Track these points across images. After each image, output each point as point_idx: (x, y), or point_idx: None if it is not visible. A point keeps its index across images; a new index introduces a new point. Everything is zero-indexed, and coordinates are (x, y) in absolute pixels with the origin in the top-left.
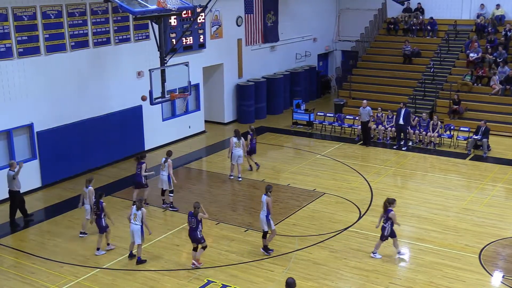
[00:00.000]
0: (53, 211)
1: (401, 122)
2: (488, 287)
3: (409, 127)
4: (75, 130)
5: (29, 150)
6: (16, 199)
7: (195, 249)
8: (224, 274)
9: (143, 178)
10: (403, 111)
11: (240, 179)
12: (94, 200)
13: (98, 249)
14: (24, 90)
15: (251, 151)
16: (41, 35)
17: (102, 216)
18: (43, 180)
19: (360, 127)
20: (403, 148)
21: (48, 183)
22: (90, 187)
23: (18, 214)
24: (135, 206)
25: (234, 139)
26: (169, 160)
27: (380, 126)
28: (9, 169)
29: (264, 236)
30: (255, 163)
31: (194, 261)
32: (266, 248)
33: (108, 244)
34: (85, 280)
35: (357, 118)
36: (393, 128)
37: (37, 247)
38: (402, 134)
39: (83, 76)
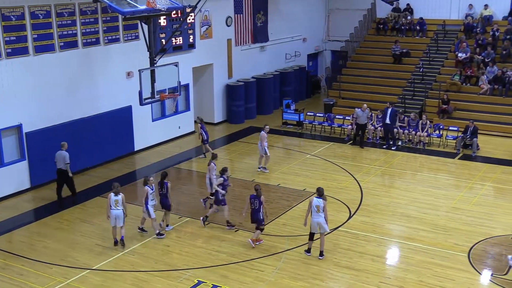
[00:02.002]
0: (42, 212)
1: (387, 121)
2: (477, 286)
3: (397, 127)
4: (65, 130)
5: (17, 151)
6: (64, 177)
7: (257, 228)
8: (214, 274)
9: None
10: (389, 110)
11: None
12: (158, 181)
13: (167, 225)
14: (12, 91)
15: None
16: (30, 36)
17: (168, 196)
18: (32, 181)
19: (354, 128)
20: (392, 148)
21: (37, 184)
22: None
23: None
24: (112, 193)
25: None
26: (212, 163)
27: (369, 126)
28: (61, 149)
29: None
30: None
31: (250, 240)
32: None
33: (167, 225)
34: (74, 281)
35: (348, 118)
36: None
37: (26, 248)
38: (389, 133)
39: (72, 76)
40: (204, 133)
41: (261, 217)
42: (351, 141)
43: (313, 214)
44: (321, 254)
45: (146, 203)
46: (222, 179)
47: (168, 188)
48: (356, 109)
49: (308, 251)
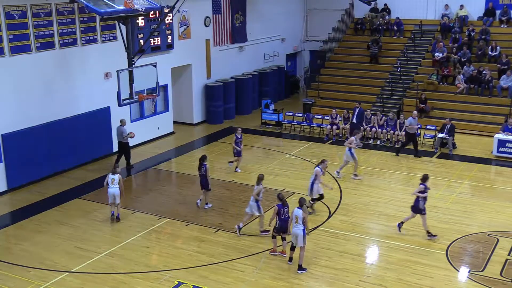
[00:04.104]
0: (19, 215)
1: (354, 120)
2: (455, 283)
3: (366, 126)
4: (42, 132)
5: None
6: (123, 149)
7: (274, 237)
8: (194, 275)
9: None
10: (357, 110)
11: None
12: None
13: (206, 203)
14: None
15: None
16: (5, 36)
17: (207, 177)
18: (8, 184)
19: (404, 136)
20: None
21: (14, 186)
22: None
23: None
24: (110, 173)
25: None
26: (318, 167)
27: (334, 127)
28: (120, 125)
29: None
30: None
31: (279, 252)
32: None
33: (206, 203)
34: (53, 284)
35: (327, 117)
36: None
37: (3, 252)
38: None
39: (49, 77)
40: (236, 145)
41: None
42: (330, 141)
43: (292, 225)
44: (299, 268)
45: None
46: (261, 186)
47: (206, 169)
48: (409, 118)
49: (290, 260)
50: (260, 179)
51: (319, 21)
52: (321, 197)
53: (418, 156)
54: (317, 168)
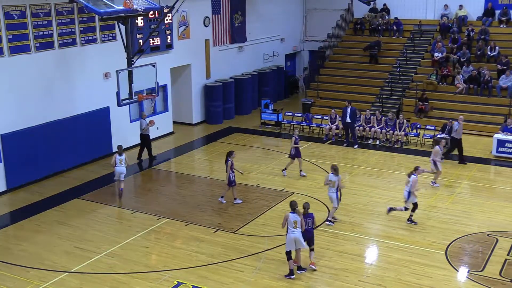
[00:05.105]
0: (18, 215)
1: (347, 120)
2: (454, 283)
3: (358, 125)
4: (41, 132)
5: None
6: (144, 141)
7: (312, 250)
8: (194, 275)
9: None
10: (348, 109)
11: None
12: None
13: (235, 198)
14: None
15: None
16: (4, 36)
17: (231, 172)
18: (8, 184)
19: (448, 142)
20: (354, 146)
21: (14, 186)
22: (339, 176)
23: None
24: (117, 154)
25: None
26: (413, 175)
27: (334, 126)
28: (142, 118)
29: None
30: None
31: (311, 265)
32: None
33: (235, 199)
34: (52, 284)
35: (326, 117)
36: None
37: (2, 252)
38: (349, 131)
39: (48, 77)
40: (292, 149)
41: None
42: (330, 141)
43: (289, 230)
44: (299, 268)
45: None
46: (340, 176)
47: (228, 165)
48: (455, 123)
49: (292, 271)
50: (335, 169)
51: (319, 21)
52: (415, 206)
53: (464, 162)
54: (413, 176)
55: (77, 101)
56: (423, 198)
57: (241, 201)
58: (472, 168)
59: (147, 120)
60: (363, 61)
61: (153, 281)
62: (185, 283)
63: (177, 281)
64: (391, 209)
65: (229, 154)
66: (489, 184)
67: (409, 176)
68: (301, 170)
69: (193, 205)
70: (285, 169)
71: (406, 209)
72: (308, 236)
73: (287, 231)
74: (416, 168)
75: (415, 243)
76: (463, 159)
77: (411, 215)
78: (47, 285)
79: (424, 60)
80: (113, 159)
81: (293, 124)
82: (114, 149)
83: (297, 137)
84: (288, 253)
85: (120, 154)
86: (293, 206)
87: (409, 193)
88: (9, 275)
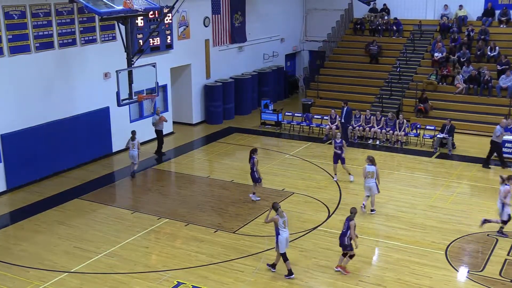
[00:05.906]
0: (18, 215)
1: (341, 120)
2: (454, 283)
3: (352, 125)
4: (41, 132)
5: None
6: (158, 136)
7: (344, 254)
8: (194, 275)
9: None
10: (344, 109)
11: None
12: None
13: (253, 193)
14: None
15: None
16: (4, 36)
17: (255, 170)
18: (8, 184)
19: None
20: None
21: (14, 186)
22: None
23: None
24: (130, 139)
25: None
26: (506, 185)
27: (334, 126)
28: (155, 114)
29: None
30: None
31: (339, 267)
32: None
33: (253, 193)
34: (52, 284)
35: (326, 117)
36: (365, 128)
37: (2, 252)
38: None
39: (48, 77)
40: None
41: (346, 242)
42: (330, 141)
43: (280, 230)
44: (273, 266)
45: None
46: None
47: (253, 163)
48: (497, 127)
49: (291, 271)
50: (371, 160)
51: (319, 21)
52: (510, 218)
53: (507, 166)
54: (506, 186)
55: (77, 101)
56: (423, 198)
57: (259, 198)
58: (472, 168)
59: (160, 116)
60: (363, 61)
61: (153, 281)
62: (185, 283)
63: (177, 281)
64: (485, 221)
65: (253, 151)
66: (489, 184)
67: (502, 185)
68: (349, 174)
69: (193, 205)
70: (336, 174)
71: (503, 221)
72: (340, 241)
73: (277, 233)
74: (509, 178)
75: (415, 243)
76: (505, 163)
77: (501, 227)
78: (47, 285)
79: (424, 60)
80: (127, 143)
81: (293, 124)
82: (114, 149)
83: (338, 140)
84: (284, 254)
85: (133, 139)
86: (275, 207)
87: (503, 204)
88: (9, 275)
